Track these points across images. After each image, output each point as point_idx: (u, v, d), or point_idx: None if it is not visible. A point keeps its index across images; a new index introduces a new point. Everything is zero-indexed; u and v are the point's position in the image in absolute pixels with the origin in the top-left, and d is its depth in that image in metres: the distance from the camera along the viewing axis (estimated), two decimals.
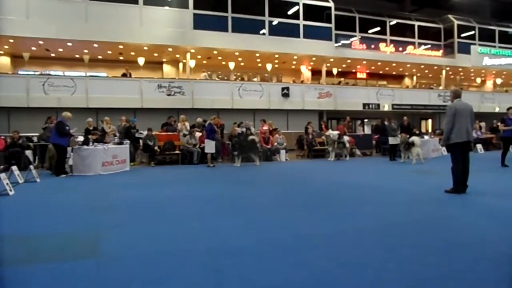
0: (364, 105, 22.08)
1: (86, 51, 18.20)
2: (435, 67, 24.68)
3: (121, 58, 19.93)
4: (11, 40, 16.29)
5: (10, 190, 6.94)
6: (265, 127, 15.23)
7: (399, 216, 4.97)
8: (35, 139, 13.13)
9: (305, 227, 4.46)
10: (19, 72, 18.22)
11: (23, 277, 3.03)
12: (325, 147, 14.72)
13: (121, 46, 17.74)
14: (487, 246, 3.65)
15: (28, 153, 11.89)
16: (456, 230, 4.26)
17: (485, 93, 26.86)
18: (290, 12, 20.03)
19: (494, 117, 22.33)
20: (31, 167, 9.26)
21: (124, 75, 17.84)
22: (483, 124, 20.36)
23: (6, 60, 18.76)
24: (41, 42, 16.61)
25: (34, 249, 3.75)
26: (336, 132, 14.53)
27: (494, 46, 25.37)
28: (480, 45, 24.82)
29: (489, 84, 29.81)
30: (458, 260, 3.27)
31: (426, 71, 26.27)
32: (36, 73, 18.21)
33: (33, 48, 17.49)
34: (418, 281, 2.84)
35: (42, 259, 3.44)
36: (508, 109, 11.31)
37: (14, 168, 8.47)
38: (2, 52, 18.38)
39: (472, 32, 24.91)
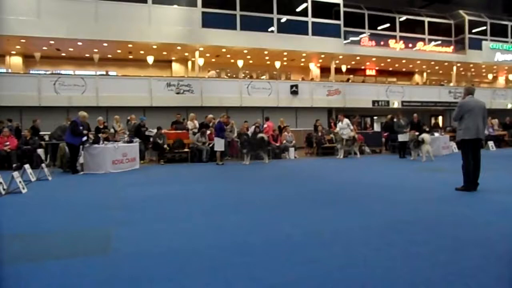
0: (374, 102, 21.95)
1: (96, 50, 18.37)
2: (446, 64, 24.39)
3: (130, 57, 20.08)
4: (22, 40, 16.51)
5: (23, 188, 7.06)
6: (265, 125, 15.19)
7: (408, 214, 4.95)
8: (46, 138, 13.30)
9: (314, 225, 4.46)
10: (31, 72, 18.46)
11: (35, 274, 3.08)
12: (334, 145, 14.65)
13: (130, 45, 17.87)
14: (498, 244, 3.61)
15: (40, 151, 12.05)
16: (467, 228, 4.22)
17: (497, 89, 26.49)
18: (298, 9, 19.96)
19: (506, 114, 22.01)
20: (43, 165, 9.39)
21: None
22: (495, 121, 20.08)
23: (18, 60, 19.04)
24: (52, 42, 16.81)
25: (46, 246, 3.81)
26: (346, 122, 14.28)
27: (507, 42, 24.98)
28: (491, 40, 24.46)
29: (501, 80, 29.38)
30: (468, 258, 3.25)
31: (437, 67, 25.98)
32: (47, 72, 18.43)
33: (44, 48, 17.70)
34: (427, 280, 2.82)
35: (53, 256, 3.49)
36: None
37: (27, 166, 8.61)
38: (14, 52, 18.65)
39: (484, 28, 24.55)
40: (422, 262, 3.18)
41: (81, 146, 10.22)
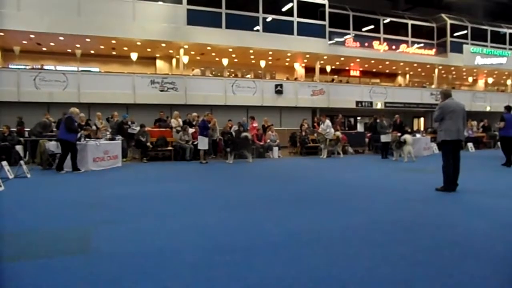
0: (357, 103, 22.19)
1: (78, 45, 18.05)
2: (428, 66, 24.85)
3: (114, 53, 19.80)
4: (1, 34, 16.08)
5: (0, 186, 6.87)
6: (254, 124, 15.20)
7: (389, 214, 5.00)
8: (26, 134, 12.99)
9: (296, 224, 4.47)
10: (10, 66, 18.01)
11: (12, 274, 3.00)
12: (318, 144, 14.74)
13: (114, 41, 17.61)
14: (476, 244, 3.69)
15: (19, 148, 11.76)
16: (446, 228, 4.29)
17: (476, 92, 27.12)
18: (284, 9, 20.02)
19: (485, 116, 22.56)
20: (22, 162, 9.15)
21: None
22: (474, 123, 20.55)
23: None
24: (32, 36, 16.43)
25: (23, 246, 3.71)
26: (327, 124, 14.38)
27: (486, 46, 25.60)
28: (472, 44, 25.03)
29: (480, 83, 30.10)
30: (447, 258, 3.30)
31: (419, 69, 26.44)
32: (27, 67, 18.01)
33: (24, 42, 17.29)
34: (406, 279, 2.86)
35: (31, 256, 3.40)
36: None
37: (4, 163, 8.37)
38: None
39: (465, 32, 25.10)
40: (402, 261, 3.21)
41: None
